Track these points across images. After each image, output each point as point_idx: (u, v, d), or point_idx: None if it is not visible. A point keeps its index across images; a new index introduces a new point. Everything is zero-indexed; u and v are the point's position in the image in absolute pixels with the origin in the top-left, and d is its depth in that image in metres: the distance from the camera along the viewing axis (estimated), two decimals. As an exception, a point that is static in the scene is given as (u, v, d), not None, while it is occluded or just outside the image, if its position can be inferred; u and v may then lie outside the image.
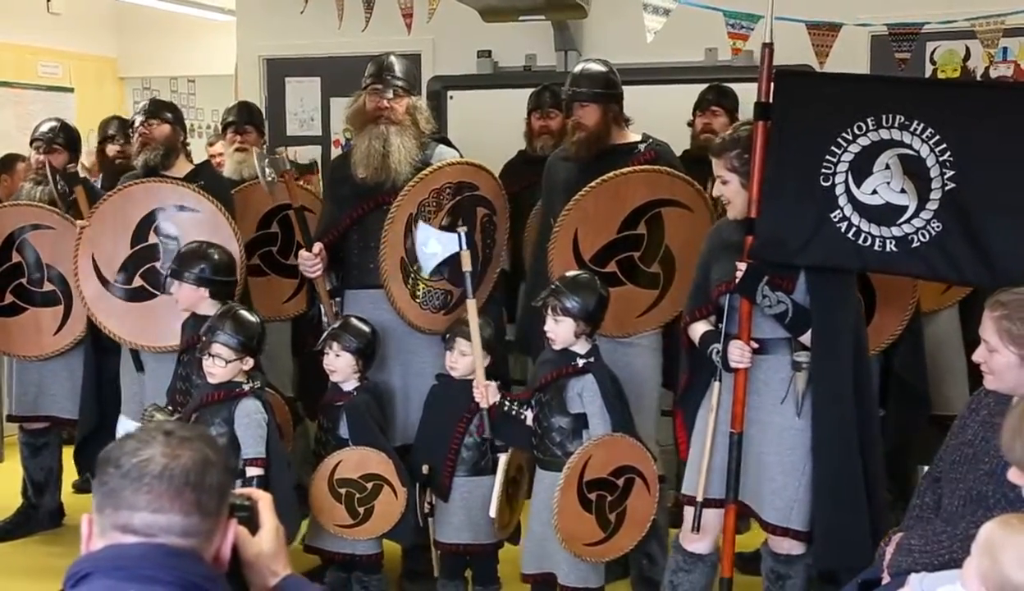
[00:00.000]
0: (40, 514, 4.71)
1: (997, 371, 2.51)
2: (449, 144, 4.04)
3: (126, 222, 4.06)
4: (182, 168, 4.25)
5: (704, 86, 4.72)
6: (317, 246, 3.86)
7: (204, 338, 3.48)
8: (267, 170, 3.87)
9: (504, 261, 4.44)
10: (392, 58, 3.89)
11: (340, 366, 3.65)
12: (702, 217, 3.71)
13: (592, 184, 3.71)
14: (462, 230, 3.61)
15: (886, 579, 2.57)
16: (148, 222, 4.06)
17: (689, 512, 3.26)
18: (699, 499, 3.18)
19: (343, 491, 3.57)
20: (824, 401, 3.07)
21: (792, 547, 3.19)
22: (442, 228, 3.69)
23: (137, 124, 4.26)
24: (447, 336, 3.67)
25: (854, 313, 3.19)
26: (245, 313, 3.54)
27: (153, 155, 4.17)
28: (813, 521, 3.11)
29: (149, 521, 1.44)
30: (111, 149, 5.19)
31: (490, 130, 4.99)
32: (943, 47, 5.07)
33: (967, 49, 5.03)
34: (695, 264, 3.35)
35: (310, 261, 3.86)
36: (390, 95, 3.81)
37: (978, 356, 2.55)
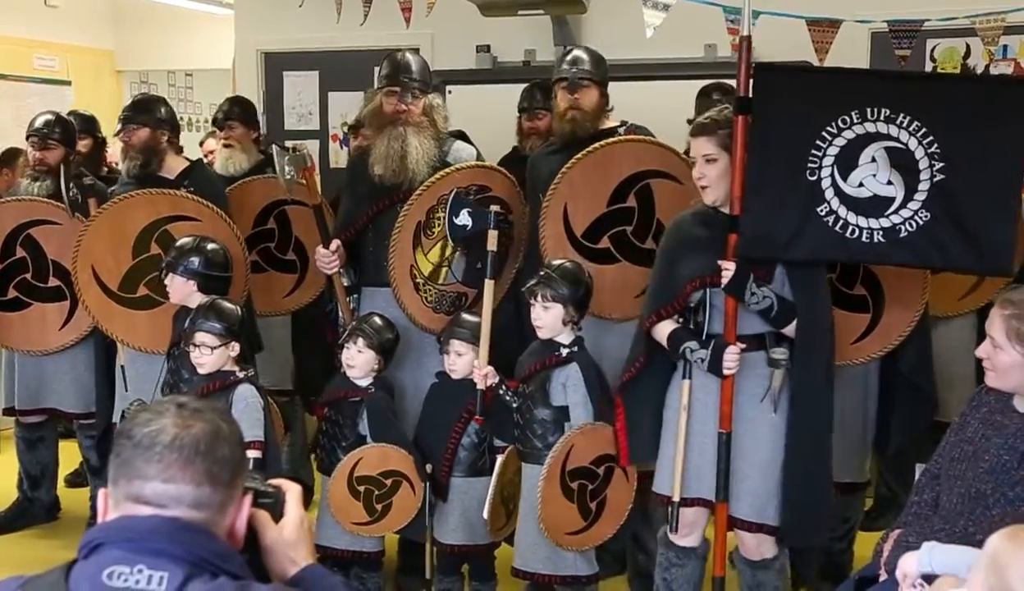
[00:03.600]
0: (36, 508, 4.72)
1: (1000, 369, 2.50)
2: (466, 139, 4.04)
3: (124, 234, 4.01)
4: (174, 167, 4.20)
5: (703, 82, 4.70)
6: (334, 243, 3.86)
7: (187, 331, 3.50)
8: (287, 168, 3.84)
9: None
10: (408, 57, 3.89)
11: (360, 362, 3.65)
12: (694, 190, 3.67)
13: (578, 156, 3.71)
14: (494, 209, 3.65)
15: (883, 576, 2.57)
16: (149, 233, 4.00)
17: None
18: (675, 499, 3.19)
19: (362, 488, 3.56)
20: (805, 392, 3.09)
21: (764, 546, 3.19)
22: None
23: (116, 130, 4.22)
24: (441, 339, 3.68)
25: (827, 302, 3.20)
26: (224, 301, 3.56)
27: (132, 164, 4.14)
28: (785, 504, 3.12)
29: (160, 491, 1.44)
30: None
31: (489, 125, 4.97)
32: (943, 44, 5.06)
33: (967, 46, 5.02)
34: None
35: (327, 257, 3.86)
36: (409, 99, 3.81)
37: (982, 352, 2.55)
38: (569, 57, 3.93)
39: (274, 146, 4.19)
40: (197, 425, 1.47)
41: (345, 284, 3.98)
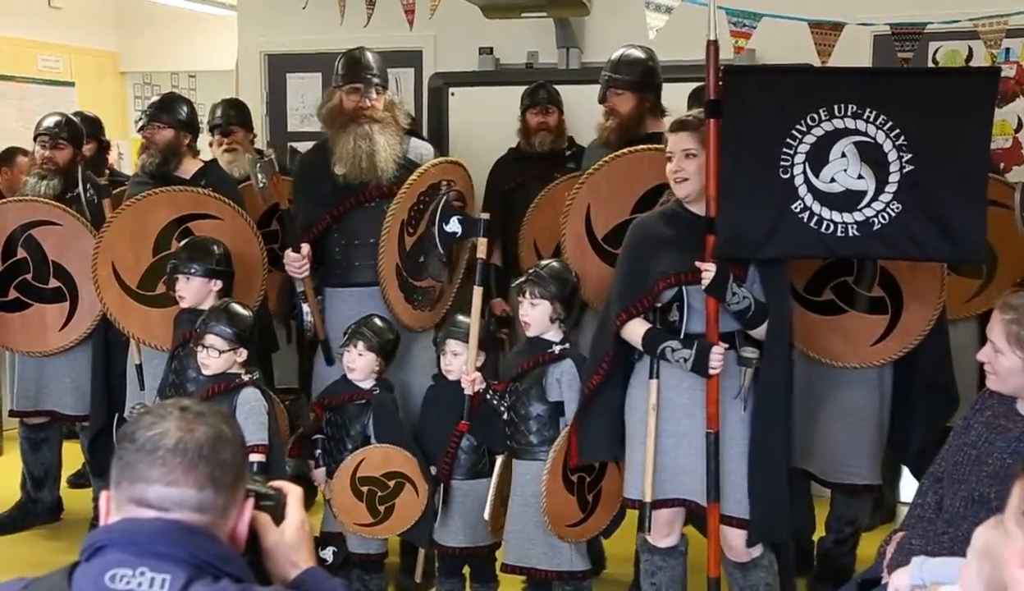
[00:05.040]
0: (39, 508, 4.73)
1: (1001, 373, 2.51)
2: (420, 136, 4.05)
3: (146, 231, 4.02)
4: (189, 168, 4.21)
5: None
6: (305, 247, 3.82)
7: (198, 331, 3.50)
8: (259, 176, 3.84)
9: (496, 257, 4.47)
10: (368, 53, 3.89)
11: (361, 365, 3.65)
12: None
13: (605, 159, 3.71)
14: (484, 217, 3.65)
15: (886, 578, 2.57)
16: (170, 231, 4.01)
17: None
18: (647, 500, 3.18)
19: (365, 489, 3.57)
20: (770, 389, 3.11)
21: (752, 547, 3.19)
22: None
23: (140, 125, 4.24)
24: (437, 339, 3.69)
25: (790, 302, 3.24)
26: (238, 306, 3.57)
27: (151, 160, 4.16)
28: (752, 501, 3.12)
29: (163, 494, 1.44)
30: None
31: (491, 127, 4.98)
32: (946, 47, 5.06)
33: (970, 49, 5.02)
34: None
35: (297, 262, 3.83)
36: (373, 95, 3.81)
37: (983, 355, 2.56)
38: (613, 59, 3.91)
39: (247, 156, 4.21)
40: (200, 429, 1.48)
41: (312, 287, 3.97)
